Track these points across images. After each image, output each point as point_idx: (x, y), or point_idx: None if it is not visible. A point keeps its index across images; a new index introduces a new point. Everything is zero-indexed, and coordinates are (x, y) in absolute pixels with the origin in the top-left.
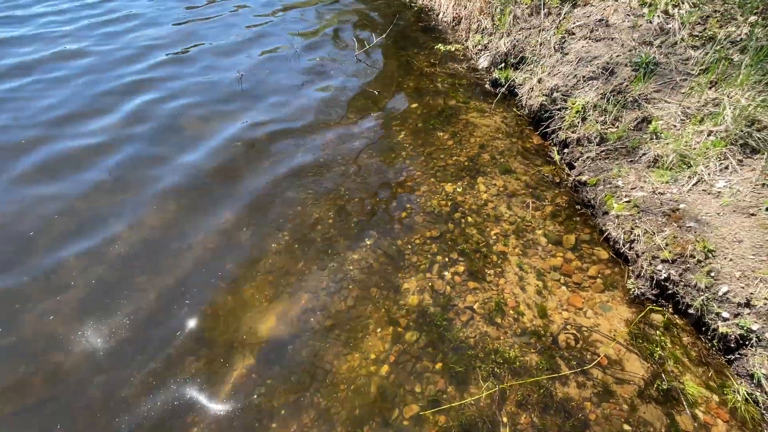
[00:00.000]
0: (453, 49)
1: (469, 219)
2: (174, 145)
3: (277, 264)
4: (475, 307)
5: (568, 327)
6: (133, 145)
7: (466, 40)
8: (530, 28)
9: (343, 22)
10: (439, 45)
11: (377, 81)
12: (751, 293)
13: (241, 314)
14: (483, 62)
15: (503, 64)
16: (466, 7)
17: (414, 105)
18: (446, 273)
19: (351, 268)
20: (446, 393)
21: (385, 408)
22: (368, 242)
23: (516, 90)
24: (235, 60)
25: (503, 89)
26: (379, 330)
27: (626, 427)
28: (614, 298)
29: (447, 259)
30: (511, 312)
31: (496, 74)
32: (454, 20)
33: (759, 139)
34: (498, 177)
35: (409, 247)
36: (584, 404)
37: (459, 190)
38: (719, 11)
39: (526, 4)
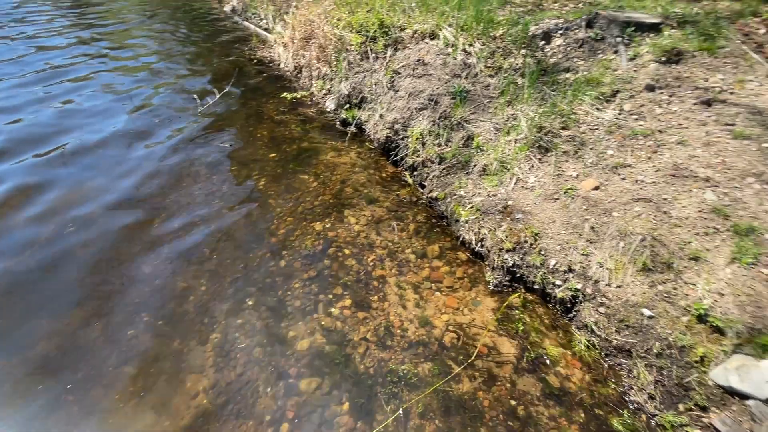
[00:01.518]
0: (299, 96)
1: (346, 251)
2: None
3: (144, 350)
4: (369, 336)
5: (450, 327)
6: None
7: (310, 86)
8: (364, 71)
9: (182, 78)
10: (285, 93)
11: (228, 134)
12: (570, 260)
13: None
14: (330, 105)
15: (348, 105)
16: (304, 57)
17: (270, 153)
18: (333, 309)
19: (235, 334)
20: (356, 430)
21: None
22: (249, 302)
23: (364, 126)
24: (65, 126)
25: (352, 127)
26: (269, 389)
27: (512, 402)
28: (480, 292)
29: (331, 296)
30: (398, 331)
31: (343, 114)
32: (296, 69)
33: (547, 141)
34: (365, 207)
35: (290, 293)
36: (477, 394)
37: (329, 226)
38: (501, 47)
39: (356, 51)
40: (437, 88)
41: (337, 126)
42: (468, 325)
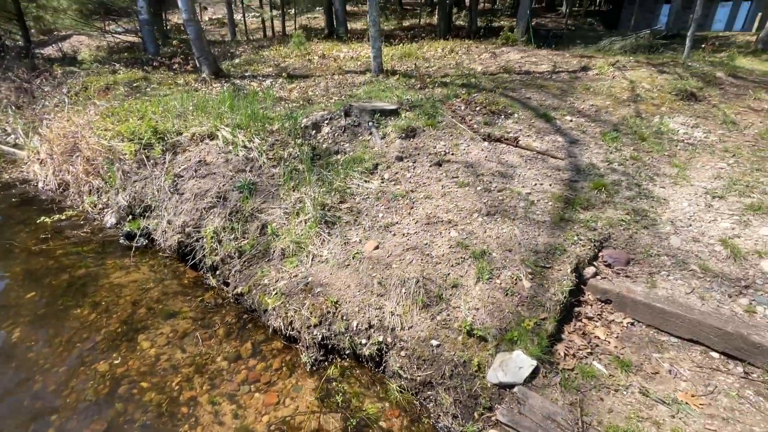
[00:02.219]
0: (65, 216)
1: (143, 385)
2: None
3: None
4: None
5: (273, 427)
6: None
7: (81, 203)
8: (143, 179)
9: None
10: (45, 217)
11: None
12: (369, 317)
13: None
14: (110, 219)
15: (131, 216)
16: (69, 172)
17: (28, 293)
18: None
19: None
20: None
21: None
22: None
23: (152, 236)
24: None
25: (139, 239)
26: None
27: None
28: (300, 376)
29: None
30: None
31: (127, 227)
32: (60, 186)
33: (331, 215)
34: (163, 325)
35: None
36: None
37: (118, 361)
38: (279, 140)
39: (131, 160)
40: (223, 185)
41: (121, 241)
42: (292, 416)
